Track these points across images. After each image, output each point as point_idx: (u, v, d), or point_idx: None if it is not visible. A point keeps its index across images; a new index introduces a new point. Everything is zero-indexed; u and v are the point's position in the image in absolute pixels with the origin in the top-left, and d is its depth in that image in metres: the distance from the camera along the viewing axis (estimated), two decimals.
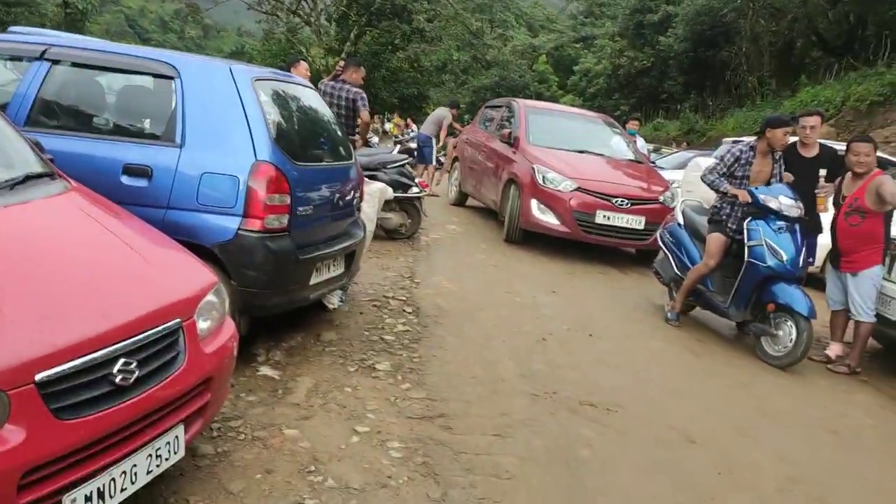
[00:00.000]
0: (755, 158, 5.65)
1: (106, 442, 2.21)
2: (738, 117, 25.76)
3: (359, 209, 5.01)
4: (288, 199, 3.88)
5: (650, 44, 33.90)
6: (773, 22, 27.22)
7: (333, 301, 5.08)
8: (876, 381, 5.33)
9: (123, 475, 2.28)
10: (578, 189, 7.94)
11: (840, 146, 6.44)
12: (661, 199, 8.20)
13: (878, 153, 5.70)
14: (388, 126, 29.21)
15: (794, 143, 6.04)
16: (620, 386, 4.48)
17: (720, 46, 29.90)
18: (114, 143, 3.83)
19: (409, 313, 5.38)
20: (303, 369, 4.08)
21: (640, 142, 11.86)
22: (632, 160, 9.25)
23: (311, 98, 4.80)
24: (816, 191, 5.67)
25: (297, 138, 4.36)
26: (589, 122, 10.20)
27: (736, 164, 5.67)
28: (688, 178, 10.59)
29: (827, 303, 5.64)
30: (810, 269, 6.11)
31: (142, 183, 3.76)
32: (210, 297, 2.78)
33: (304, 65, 7.72)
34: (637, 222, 7.93)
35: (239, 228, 3.73)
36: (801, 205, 5.41)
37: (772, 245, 5.30)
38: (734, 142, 11.92)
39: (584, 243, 8.15)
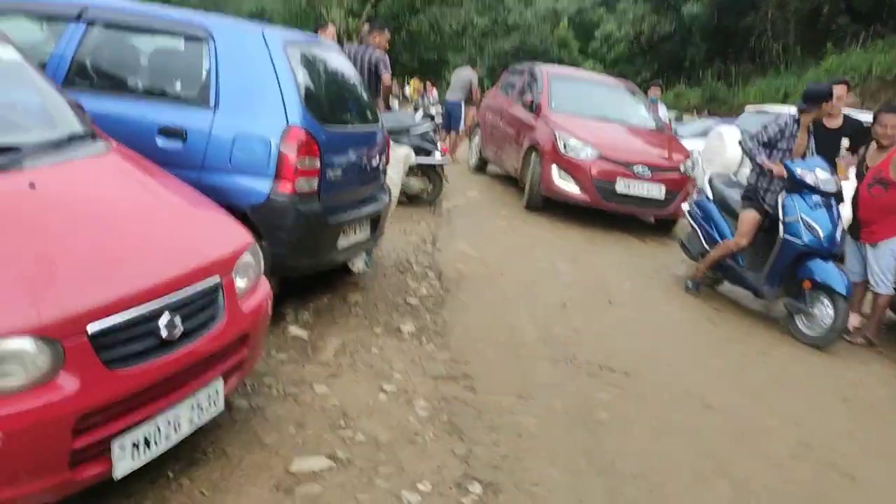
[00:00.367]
0: (798, 132, 5.47)
1: (152, 392, 2.33)
2: (761, 85, 25.42)
3: (385, 173, 5.08)
4: (318, 163, 3.96)
5: (673, 9, 33.33)
6: None
7: (358, 264, 5.17)
8: (891, 353, 5.37)
9: (168, 424, 2.41)
10: (600, 157, 7.95)
11: (865, 116, 6.41)
12: (682, 168, 8.20)
13: None
14: (407, 90, 29.06)
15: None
16: (638, 351, 4.57)
17: (745, 13, 29.34)
18: (149, 105, 3.92)
19: (432, 277, 5.48)
20: (330, 330, 4.19)
21: (662, 109, 11.78)
22: (653, 128, 9.23)
23: (340, 62, 4.85)
24: (837, 160, 5.68)
25: (327, 102, 4.42)
26: (611, 88, 10.16)
27: (780, 136, 5.47)
28: (708, 147, 10.54)
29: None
30: None
31: (177, 145, 3.85)
32: (247, 257, 2.88)
33: (331, 29, 7.75)
34: (657, 191, 7.94)
35: (270, 191, 3.82)
36: (838, 178, 5.28)
37: (808, 221, 5.17)
38: (758, 111, 11.86)
39: (603, 211, 8.18)
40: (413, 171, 7.75)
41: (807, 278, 5.21)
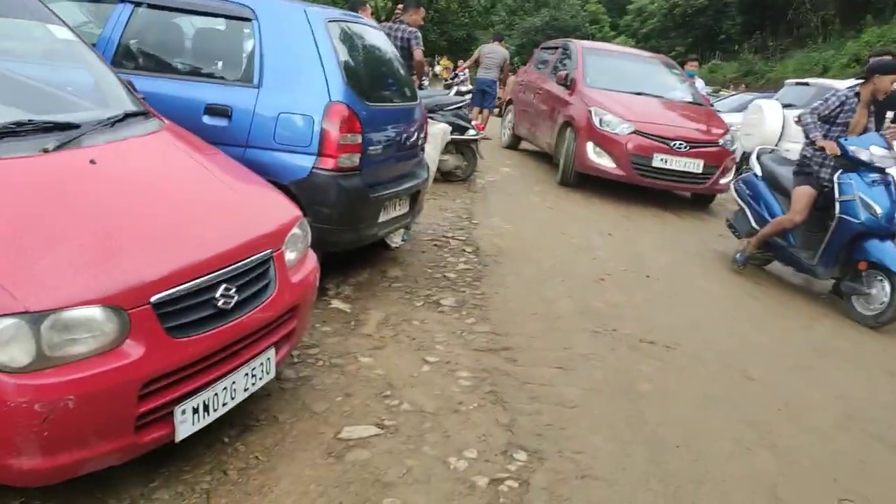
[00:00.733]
0: (858, 105, 5.31)
1: (211, 360, 2.41)
2: (799, 59, 24.92)
3: (423, 150, 5.13)
4: (359, 139, 4.01)
5: None
6: None
7: (396, 240, 5.24)
8: None
9: (225, 391, 2.50)
10: (636, 132, 7.90)
11: None
12: (721, 142, 8.12)
13: None
14: (437, 69, 28.97)
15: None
16: (678, 325, 4.58)
17: None
18: (196, 84, 4.01)
19: (469, 252, 5.53)
20: (371, 303, 4.27)
21: (700, 83, 11.63)
22: (691, 102, 9.13)
23: (379, 39, 4.89)
24: (882, 132, 5.58)
25: (367, 79, 4.46)
26: (647, 63, 10.05)
27: (840, 110, 5.31)
28: (747, 121, 10.40)
29: None
30: None
31: (222, 122, 3.93)
32: (296, 230, 2.95)
33: (368, 8, 7.79)
34: (695, 166, 7.88)
35: (313, 167, 3.89)
36: (894, 154, 5.15)
37: (865, 199, 5.04)
38: (798, 84, 11.64)
39: (638, 186, 8.14)
40: (448, 147, 7.77)
41: (863, 259, 5.10)
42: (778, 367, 4.18)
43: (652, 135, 7.90)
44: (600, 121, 8.05)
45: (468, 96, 11.65)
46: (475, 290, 4.71)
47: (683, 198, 8.79)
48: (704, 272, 5.93)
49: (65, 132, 2.62)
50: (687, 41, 35.05)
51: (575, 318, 4.46)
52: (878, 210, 5.01)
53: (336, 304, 4.18)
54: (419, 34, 7.70)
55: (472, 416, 3.15)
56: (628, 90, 8.74)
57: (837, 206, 5.19)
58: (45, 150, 2.47)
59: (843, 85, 8.75)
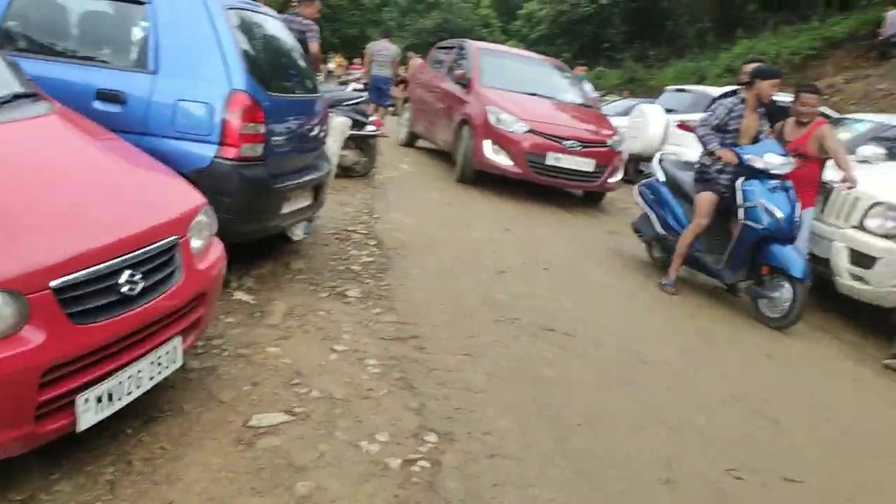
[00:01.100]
0: (745, 111, 5.52)
1: (115, 347, 2.34)
2: (678, 67, 26.23)
3: (324, 143, 5.09)
4: (262, 129, 3.95)
5: None
6: None
7: (298, 232, 5.17)
8: (806, 313, 5.73)
9: (130, 380, 2.42)
10: (531, 131, 8.12)
11: (779, 96, 6.76)
12: (610, 142, 8.46)
13: None
14: (331, 65, 28.67)
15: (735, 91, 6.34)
16: (576, 314, 4.76)
17: None
18: (86, 68, 3.84)
19: (372, 246, 5.54)
20: (276, 295, 4.21)
21: (588, 87, 12.07)
22: (581, 104, 9.46)
23: (280, 29, 4.83)
24: (760, 137, 5.98)
25: (269, 68, 4.40)
26: (540, 65, 10.34)
27: (728, 117, 5.50)
28: (632, 125, 10.89)
29: None
30: None
31: (115, 108, 3.78)
32: (201, 217, 2.89)
33: None
34: (587, 164, 8.18)
35: (215, 156, 3.81)
36: (791, 160, 5.27)
37: (767, 205, 5.16)
38: (678, 90, 12.31)
39: (533, 184, 8.37)
40: (347, 143, 7.75)
41: (765, 263, 5.26)
42: (668, 350, 4.42)
43: (546, 134, 8.14)
44: (497, 119, 8.23)
45: (364, 93, 11.65)
46: (380, 282, 4.72)
47: (576, 196, 9.10)
48: (598, 265, 6.18)
49: None
50: (573, 48, 36.20)
51: (479, 309, 4.56)
52: (780, 215, 5.14)
53: (239, 295, 4.10)
54: (316, 27, 7.64)
55: (383, 402, 3.17)
56: (523, 91, 8.97)
57: (741, 212, 5.33)
58: None
59: (717, 92, 9.34)
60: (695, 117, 9.34)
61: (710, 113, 5.66)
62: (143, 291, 2.44)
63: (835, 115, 10.75)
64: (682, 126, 10.08)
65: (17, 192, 2.30)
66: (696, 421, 3.53)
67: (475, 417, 3.17)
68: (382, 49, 12.66)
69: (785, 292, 5.18)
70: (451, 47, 10.75)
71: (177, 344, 2.67)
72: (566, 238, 7.00)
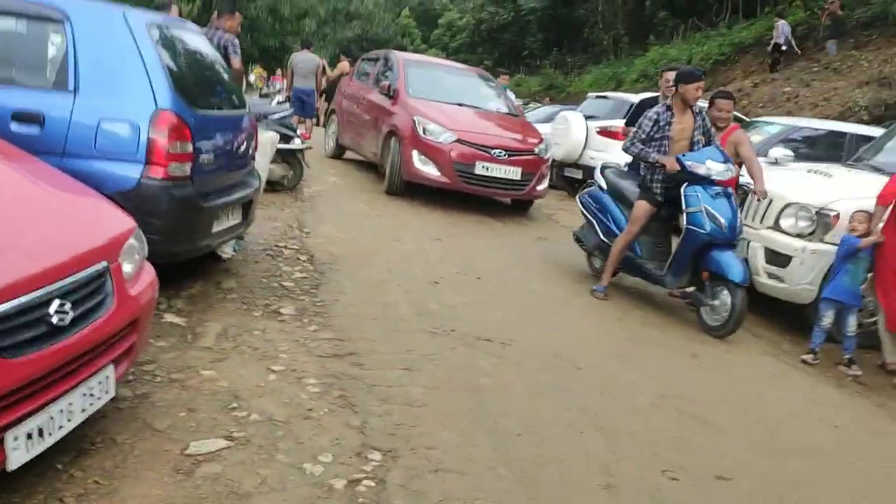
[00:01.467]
0: (674, 117, 5.53)
1: (46, 380, 2.25)
2: (595, 74, 27.00)
3: (254, 159, 5.03)
4: (190, 147, 3.89)
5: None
6: None
7: (228, 250, 5.09)
8: None
9: (61, 413, 2.34)
10: (458, 141, 8.19)
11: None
12: (537, 150, 8.60)
13: None
14: (251, 78, 28.25)
15: (655, 98, 6.57)
16: (510, 323, 4.83)
17: (577, 5, 31.03)
18: (0, 89, 3.68)
19: (304, 261, 5.49)
20: (208, 315, 4.13)
21: (511, 96, 12.26)
22: (507, 113, 9.61)
23: (203, 45, 4.75)
24: (695, 140, 6.21)
25: (194, 85, 4.32)
26: (465, 75, 10.45)
27: (655, 128, 5.50)
28: (555, 132, 11.10)
29: None
30: None
31: (33, 130, 3.66)
32: (132, 241, 2.82)
33: (175, 9, 7.42)
34: (514, 173, 8.29)
35: (142, 176, 3.72)
36: (731, 166, 5.33)
37: (710, 211, 5.19)
38: (598, 97, 12.64)
39: (462, 193, 8.45)
40: (274, 157, 7.65)
41: (705, 269, 5.29)
42: (599, 355, 4.54)
43: (474, 143, 8.22)
44: (424, 130, 8.27)
45: (286, 105, 11.55)
46: (314, 298, 4.69)
47: (504, 204, 9.23)
48: (529, 273, 6.28)
49: None
50: (494, 56, 36.76)
51: (414, 321, 4.58)
52: (723, 221, 5.18)
53: (169, 317, 4.00)
54: (237, 41, 7.50)
55: (324, 422, 3.15)
56: (449, 101, 9.04)
57: (684, 217, 5.35)
58: None
59: (636, 98, 9.66)
60: (616, 123, 9.70)
61: (636, 129, 5.65)
62: (74, 321, 2.36)
63: (746, 119, 11.28)
64: (603, 132, 10.38)
65: None
66: (631, 424, 3.63)
67: (417, 432, 3.19)
68: (303, 60, 12.56)
69: (724, 297, 5.21)
70: (377, 59, 10.75)
71: (109, 373, 2.59)
72: (497, 246, 7.09)
